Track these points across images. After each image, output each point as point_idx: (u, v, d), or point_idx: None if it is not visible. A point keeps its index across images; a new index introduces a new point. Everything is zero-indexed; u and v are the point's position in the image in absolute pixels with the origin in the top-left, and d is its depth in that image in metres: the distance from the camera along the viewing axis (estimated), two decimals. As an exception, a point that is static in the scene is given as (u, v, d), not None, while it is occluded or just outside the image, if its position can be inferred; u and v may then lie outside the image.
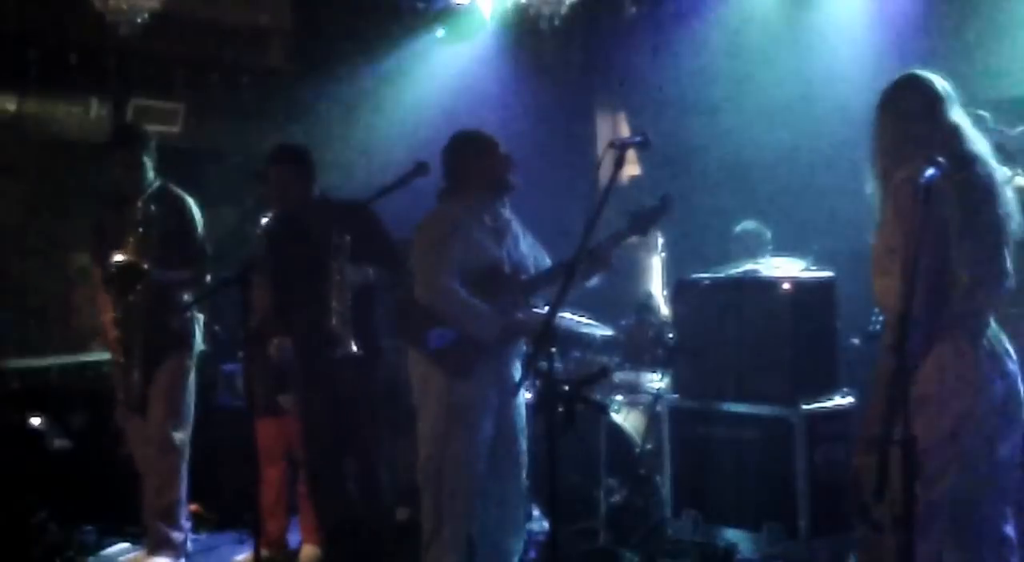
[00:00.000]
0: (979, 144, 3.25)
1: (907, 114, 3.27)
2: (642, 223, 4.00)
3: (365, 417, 4.60)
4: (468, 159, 4.17)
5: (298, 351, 4.71)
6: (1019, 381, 3.21)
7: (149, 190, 4.95)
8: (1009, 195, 3.24)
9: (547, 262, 4.31)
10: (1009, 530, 3.24)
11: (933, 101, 3.26)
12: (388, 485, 4.76)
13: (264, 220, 4.93)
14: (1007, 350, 3.21)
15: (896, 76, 3.37)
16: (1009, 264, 3.21)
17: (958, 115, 3.27)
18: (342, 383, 4.50)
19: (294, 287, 4.61)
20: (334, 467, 4.71)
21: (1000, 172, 3.26)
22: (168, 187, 5.01)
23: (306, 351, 4.64)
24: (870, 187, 3.34)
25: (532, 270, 4.23)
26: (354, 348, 4.29)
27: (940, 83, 3.30)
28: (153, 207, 4.90)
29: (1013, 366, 3.20)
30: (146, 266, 4.80)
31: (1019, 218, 3.24)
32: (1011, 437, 3.21)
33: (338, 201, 4.68)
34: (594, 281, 4.12)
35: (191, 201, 5.03)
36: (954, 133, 3.23)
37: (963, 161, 3.16)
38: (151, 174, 4.97)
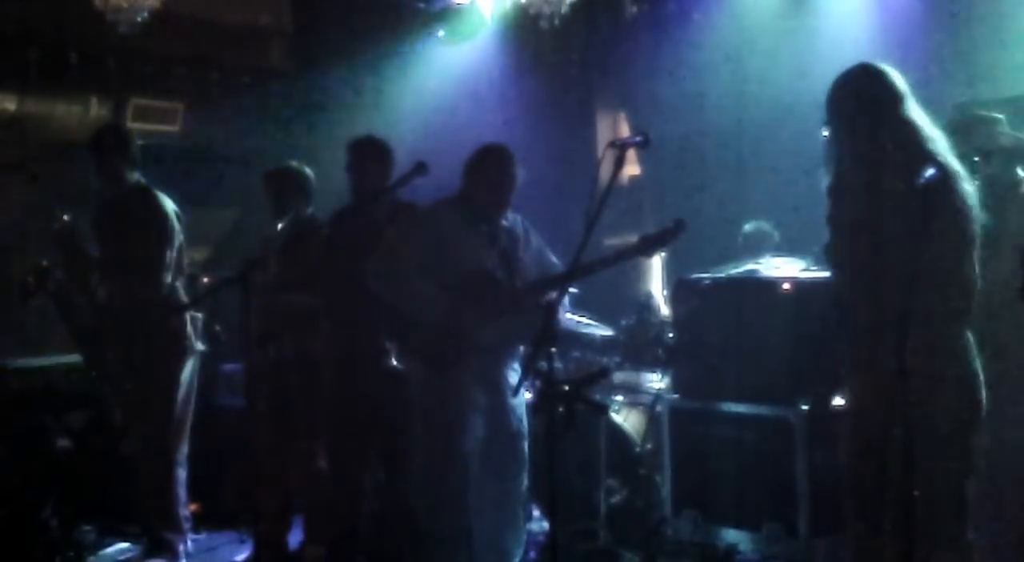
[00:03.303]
0: (937, 143, 3.16)
1: (861, 110, 3.17)
2: (651, 245, 4.03)
3: (403, 424, 4.56)
4: (479, 175, 4.19)
5: (359, 350, 4.71)
6: (981, 381, 3.16)
7: (127, 191, 4.93)
8: (969, 194, 3.13)
9: (553, 261, 4.32)
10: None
11: (889, 97, 3.17)
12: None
13: (279, 226, 4.90)
14: (971, 350, 3.16)
15: (858, 70, 3.24)
16: (975, 264, 3.14)
17: (914, 111, 3.19)
18: (393, 389, 4.53)
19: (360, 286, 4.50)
20: (356, 470, 4.74)
21: (957, 170, 3.14)
22: (147, 191, 4.96)
23: (366, 352, 4.65)
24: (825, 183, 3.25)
25: (534, 275, 4.23)
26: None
27: (895, 77, 3.20)
28: (123, 208, 4.90)
29: (975, 366, 3.15)
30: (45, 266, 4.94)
31: (982, 218, 3.15)
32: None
33: (395, 201, 4.63)
34: None
35: (168, 208, 4.94)
36: (911, 130, 3.15)
37: (920, 160, 3.06)
38: (131, 176, 4.94)
